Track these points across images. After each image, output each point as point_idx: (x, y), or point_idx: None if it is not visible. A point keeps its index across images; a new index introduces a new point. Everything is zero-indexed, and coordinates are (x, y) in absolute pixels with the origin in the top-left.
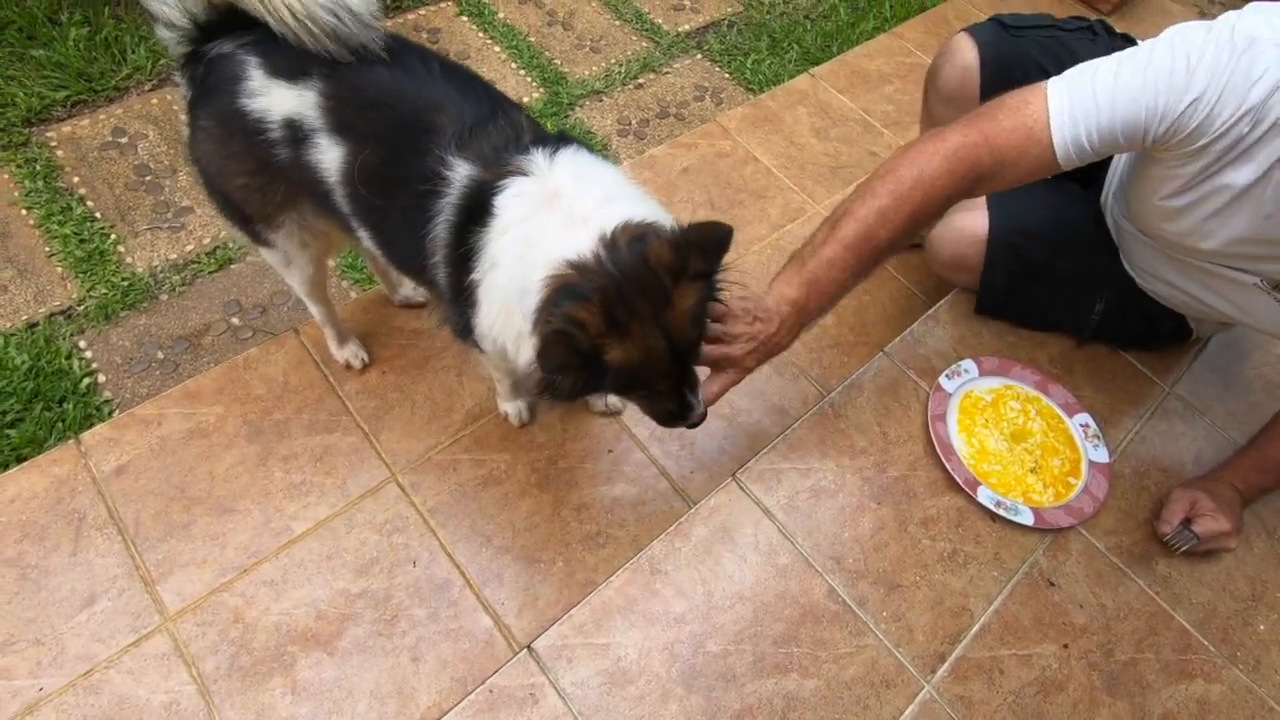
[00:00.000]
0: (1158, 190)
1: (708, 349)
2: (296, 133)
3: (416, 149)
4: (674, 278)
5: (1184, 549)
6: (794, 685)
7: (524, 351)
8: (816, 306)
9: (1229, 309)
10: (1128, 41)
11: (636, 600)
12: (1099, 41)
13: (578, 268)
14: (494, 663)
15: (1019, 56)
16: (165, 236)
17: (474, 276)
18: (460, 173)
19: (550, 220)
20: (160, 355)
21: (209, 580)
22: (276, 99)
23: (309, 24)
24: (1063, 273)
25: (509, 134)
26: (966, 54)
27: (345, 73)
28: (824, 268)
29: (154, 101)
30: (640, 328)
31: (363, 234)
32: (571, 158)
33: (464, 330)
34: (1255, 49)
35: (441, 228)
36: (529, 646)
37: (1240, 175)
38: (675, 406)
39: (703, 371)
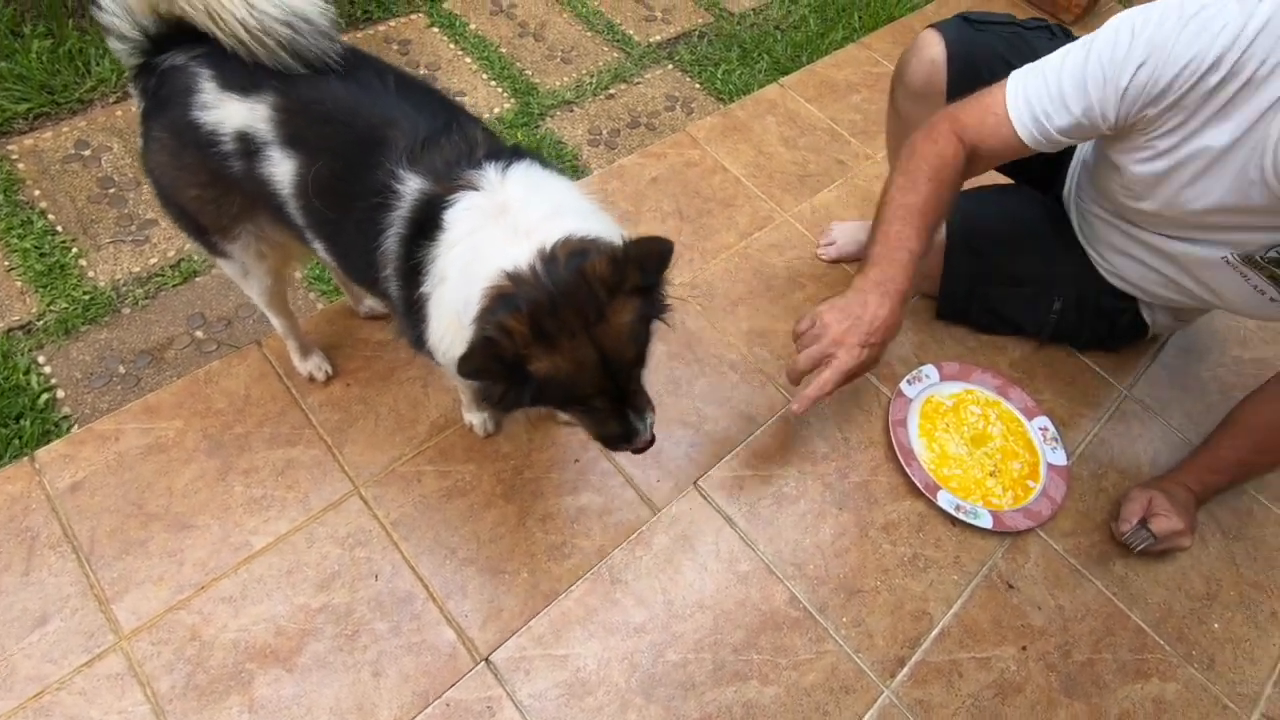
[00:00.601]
0: (1134, 161)
1: (807, 352)
2: (249, 145)
3: (368, 162)
4: (610, 292)
5: (1140, 547)
6: (754, 693)
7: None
8: (899, 273)
9: (1196, 287)
10: None
11: (596, 610)
12: (1056, 40)
13: (514, 279)
14: (456, 676)
15: (984, 50)
16: (128, 250)
17: (423, 290)
18: (411, 186)
19: (496, 233)
20: (122, 370)
21: (165, 598)
22: (229, 112)
23: (264, 39)
24: (1021, 273)
25: (462, 148)
26: (934, 48)
27: (298, 86)
28: (889, 245)
29: (118, 114)
30: (570, 341)
31: (317, 246)
32: (524, 172)
33: (418, 343)
34: (1210, 9)
35: (392, 241)
36: (487, 659)
37: (1219, 136)
38: (618, 428)
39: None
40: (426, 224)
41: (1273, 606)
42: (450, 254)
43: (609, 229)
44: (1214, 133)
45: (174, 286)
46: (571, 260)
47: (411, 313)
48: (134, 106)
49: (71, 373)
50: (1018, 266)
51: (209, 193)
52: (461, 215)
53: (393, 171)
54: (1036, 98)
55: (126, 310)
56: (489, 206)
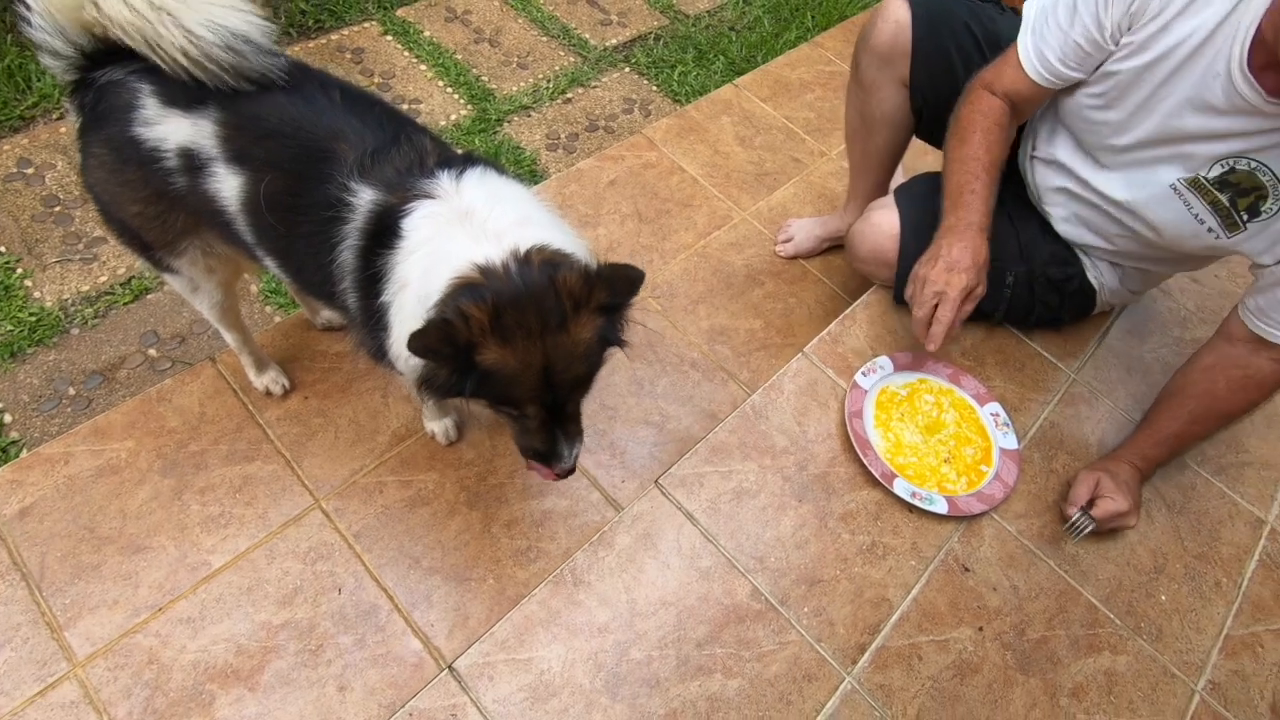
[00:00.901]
0: (1116, 60)
1: (917, 304)
2: (193, 161)
3: (317, 176)
4: (575, 306)
5: (1079, 537)
6: (718, 686)
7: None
8: (967, 213)
9: (1142, 228)
10: None
11: (559, 612)
12: (1007, 15)
13: (485, 271)
14: (422, 686)
15: (945, 13)
16: (76, 268)
17: (384, 299)
18: (364, 198)
19: (460, 236)
20: (72, 392)
21: (121, 622)
22: (172, 128)
23: (205, 64)
24: None
25: (413, 158)
26: (899, 11)
27: (242, 101)
28: (955, 195)
29: (62, 130)
30: (524, 342)
31: (269, 262)
32: (479, 178)
33: (379, 354)
34: None
35: (347, 253)
36: (450, 666)
37: (1199, 24)
38: (542, 445)
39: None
40: (383, 234)
41: (1216, 577)
42: (410, 260)
43: (572, 241)
44: (1194, 21)
45: (125, 304)
46: (545, 267)
47: (371, 323)
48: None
49: (19, 396)
50: None
51: (152, 209)
52: (419, 223)
53: (344, 184)
54: (1039, 37)
55: (75, 330)
56: (449, 213)
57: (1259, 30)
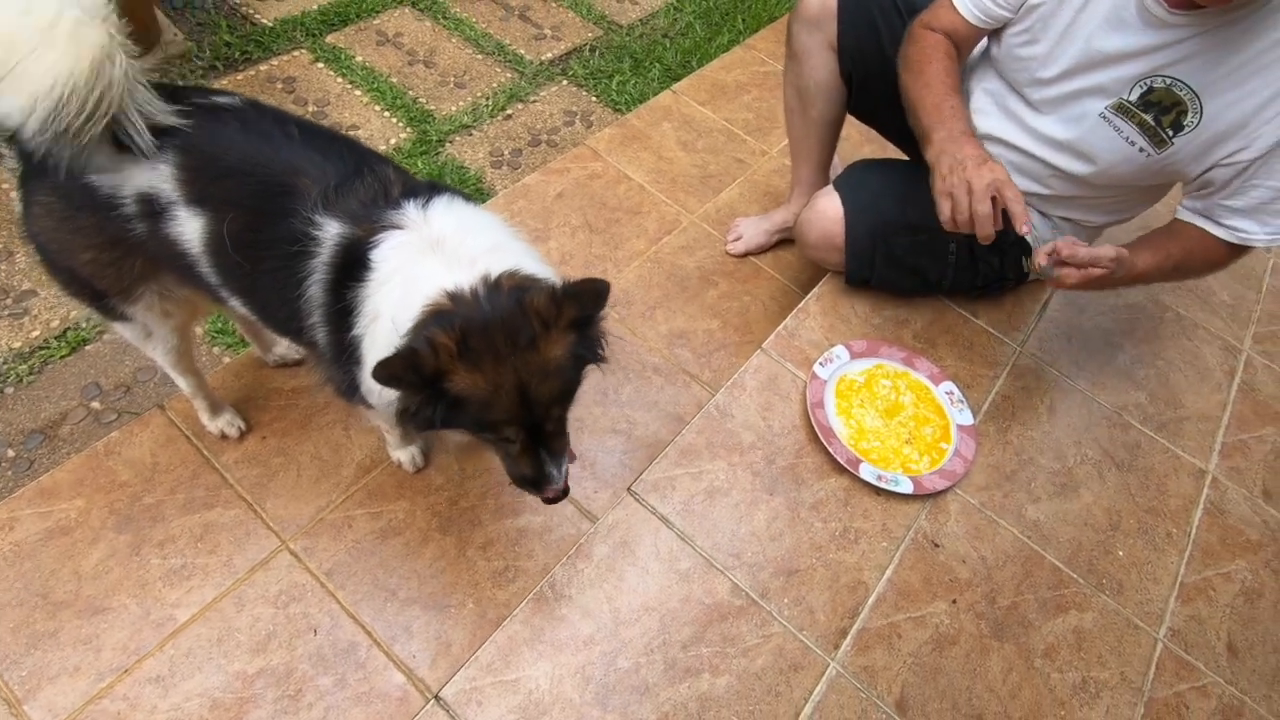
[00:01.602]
0: (1029, 6)
1: (977, 210)
2: (153, 207)
3: (280, 211)
4: (544, 326)
5: (1044, 277)
6: (706, 685)
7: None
8: (956, 121)
9: (1079, 165)
10: None
11: (543, 630)
12: None
13: (454, 298)
14: (411, 719)
15: None
16: (5, 325)
17: (356, 332)
18: (330, 231)
19: (433, 263)
20: (11, 453)
21: (84, 689)
22: (129, 174)
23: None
24: (915, 222)
25: (376, 189)
26: None
27: (199, 142)
28: (935, 111)
29: None
30: (494, 365)
31: (234, 302)
32: (446, 207)
33: (349, 390)
34: None
35: (315, 288)
36: (437, 696)
37: None
38: (529, 469)
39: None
40: (351, 267)
41: (1167, 528)
42: (381, 291)
43: (543, 268)
44: None
45: (62, 358)
46: (514, 292)
47: (342, 358)
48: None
49: None
50: (910, 216)
51: (107, 255)
52: (389, 254)
53: (309, 219)
54: None
55: (10, 390)
56: (419, 242)
57: None
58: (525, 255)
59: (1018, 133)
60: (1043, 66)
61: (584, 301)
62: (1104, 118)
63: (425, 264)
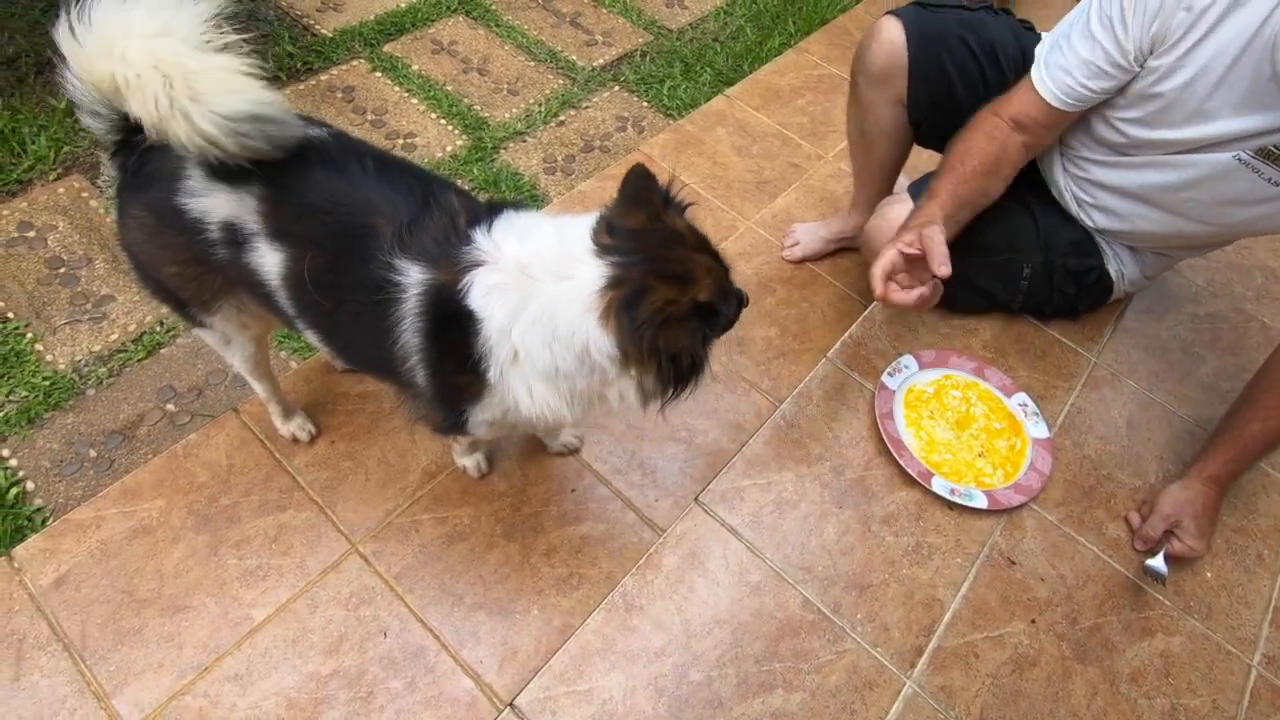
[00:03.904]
0: (1155, 83)
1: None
2: (235, 236)
3: (360, 255)
4: (658, 219)
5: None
6: (780, 701)
7: (616, 391)
8: (939, 211)
9: (1204, 204)
10: (1025, 24)
11: (615, 640)
12: (1000, 19)
13: (610, 281)
14: None
15: (941, 31)
16: (86, 328)
17: (491, 378)
18: (413, 277)
19: (544, 286)
20: (93, 453)
21: (168, 685)
22: (216, 201)
23: (210, 149)
24: (989, 243)
25: (445, 223)
26: (893, 31)
27: (284, 176)
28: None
29: (60, 191)
30: (689, 261)
31: (310, 334)
32: (506, 226)
33: (451, 426)
34: None
35: (410, 335)
36: (511, 704)
37: (1230, 35)
38: (734, 307)
39: None
40: (450, 316)
41: (1258, 550)
42: (511, 337)
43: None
44: (1226, 34)
45: (139, 361)
46: (616, 234)
47: (447, 398)
48: (77, 181)
49: (39, 462)
50: (985, 237)
51: (190, 270)
52: (490, 300)
53: (388, 263)
54: (1055, 61)
55: (91, 391)
56: (510, 278)
57: None
58: (576, 219)
59: (1123, 177)
60: (1166, 148)
61: (648, 187)
62: (1241, 162)
63: (539, 294)
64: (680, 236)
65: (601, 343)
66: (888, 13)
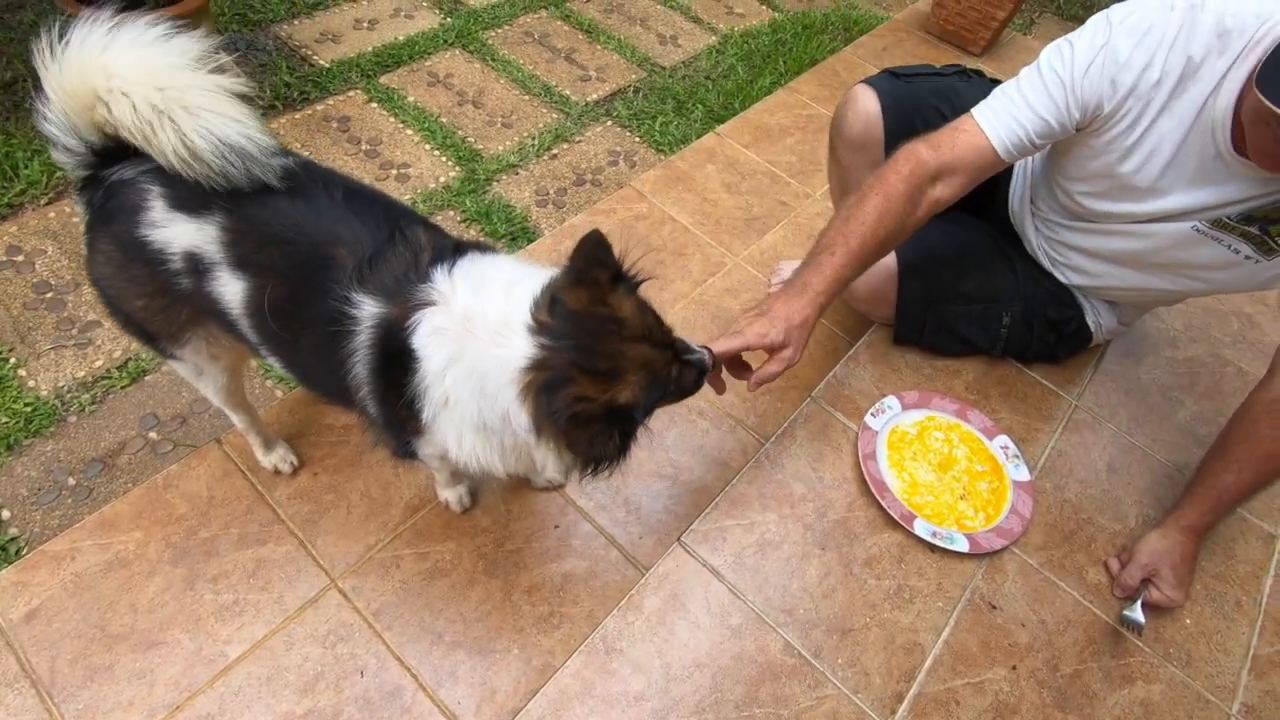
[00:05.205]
0: (1104, 165)
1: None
2: (197, 265)
3: (318, 286)
4: (602, 301)
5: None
6: None
7: (538, 457)
8: (820, 285)
9: (1166, 271)
10: (995, 83)
11: (594, 684)
12: (972, 82)
13: (534, 363)
14: None
15: (914, 100)
16: (71, 354)
17: (425, 419)
18: (366, 311)
19: (480, 345)
20: (72, 482)
21: None
22: (177, 231)
23: (194, 166)
24: (969, 291)
25: (407, 258)
26: (868, 102)
27: (247, 206)
28: (819, 256)
29: (51, 215)
30: (623, 355)
31: (273, 361)
32: (467, 269)
33: (404, 453)
34: (1135, 16)
35: (360, 368)
36: None
37: (1173, 123)
38: (690, 379)
39: None
40: (394, 352)
41: (1236, 596)
42: (444, 382)
43: (547, 272)
44: (1169, 121)
45: (123, 388)
46: (555, 310)
47: (395, 427)
48: (67, 207)
49: (17, 490)
50: (966, 285)
51: (156, 302)
52: (431, 342)
53: (345, 296)
54: (1005, 110)
55: (73, 418)
56: (454, 326)
57: (1235, 120)
58: (531, 276)
59: (1094, 243)
60: (1122, 220)
61: (600, 260)
62: (1199, 232)
63: (475, 348)
64: (620, 324)
65: (519, 416)
66: (862, 81)
